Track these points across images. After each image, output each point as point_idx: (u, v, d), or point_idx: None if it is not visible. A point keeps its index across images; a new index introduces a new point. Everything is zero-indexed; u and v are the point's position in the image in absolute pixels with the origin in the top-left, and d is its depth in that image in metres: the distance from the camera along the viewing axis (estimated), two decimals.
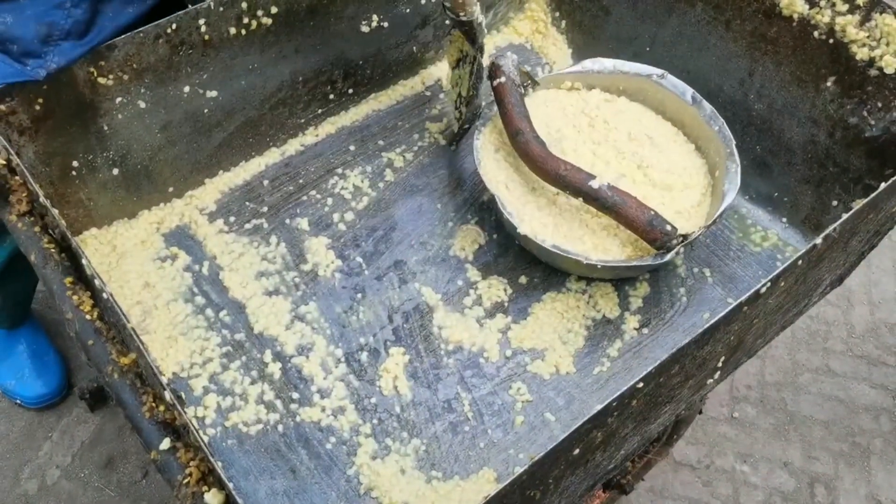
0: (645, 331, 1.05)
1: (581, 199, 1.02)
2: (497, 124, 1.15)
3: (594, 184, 1.00)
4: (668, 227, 0.96)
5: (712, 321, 0.70)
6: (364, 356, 1.00)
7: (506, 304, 1.06)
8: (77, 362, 1.63)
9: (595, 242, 1.04)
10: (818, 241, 0.77)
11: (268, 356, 0.99)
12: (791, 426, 1.69)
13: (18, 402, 1.57)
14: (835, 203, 1.11)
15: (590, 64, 1.18)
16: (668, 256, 0.98)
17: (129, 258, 1.06)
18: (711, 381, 0.94)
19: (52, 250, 0.79)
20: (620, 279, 1.08)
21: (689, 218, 1.05)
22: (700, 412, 1.30)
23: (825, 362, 1.80)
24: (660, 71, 1.15)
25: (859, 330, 1.86)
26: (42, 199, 0.77)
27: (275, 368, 0.98)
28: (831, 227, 0.77)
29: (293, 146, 1.21)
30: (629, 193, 1.00)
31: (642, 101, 1.19)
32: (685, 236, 0.97)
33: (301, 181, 1.17)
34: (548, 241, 1.01)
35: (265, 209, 1.13)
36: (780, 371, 1.77)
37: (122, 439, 1.54)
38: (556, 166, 1.02)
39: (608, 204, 0.99)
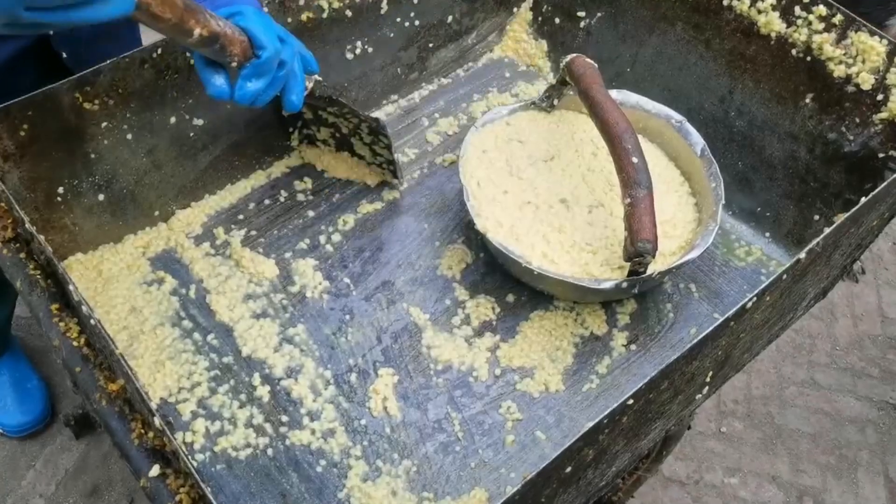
0: (633, 347, 1.06)
1: (615, 157, 1.00)
2: (495, 129, 1.16)
3: (637, 159, 0.98)
4: (648, 258, 0.95)
5: (699, 337, 0.71)
6: (353, 378, 1.00)
7: (494, 323, 1.07)
8: (61, 389, 1.61)
9: (545, 252, 1.03)
10: (802, 255, 0.78)
11: (256, 379, 0.98)
12: (778, 440, 1.70)
13: (1, 431, 1.55)
14: (816, 217, 1.12)
15: (615, 94, 1.15)
16: (606, 285, 0.97)
17: (115, 283, 1.05)
18: (700, 396, 0.95)
19: (38, 277, 0.79)
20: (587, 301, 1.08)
21: (655, 261, 1.02)
22: (689, 427, 1.30)
23: (810, 375, 1.81)
24: (679, 116, 1.14)
25: (843, 342, 1.88)
26: (28, 224, 0.77)
27: (263, 392, 0.97)
28: (814, 242, 0.78)
29: (279, 168, 1.21)
30: (653, 208, 0.98)
31: (660, 143, 1.17)
32: (637, 273, 0.97)
33: (288, 203, 1.17)
34: (497, 239, 1.02)
35: (252, 232, 1.13)
36: (766, 385, 1.78)
37: (108, 467, 1.52)
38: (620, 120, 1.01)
39: (640, 181, 0.96)
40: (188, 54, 0.98)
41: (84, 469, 1.52)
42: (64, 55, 1.13)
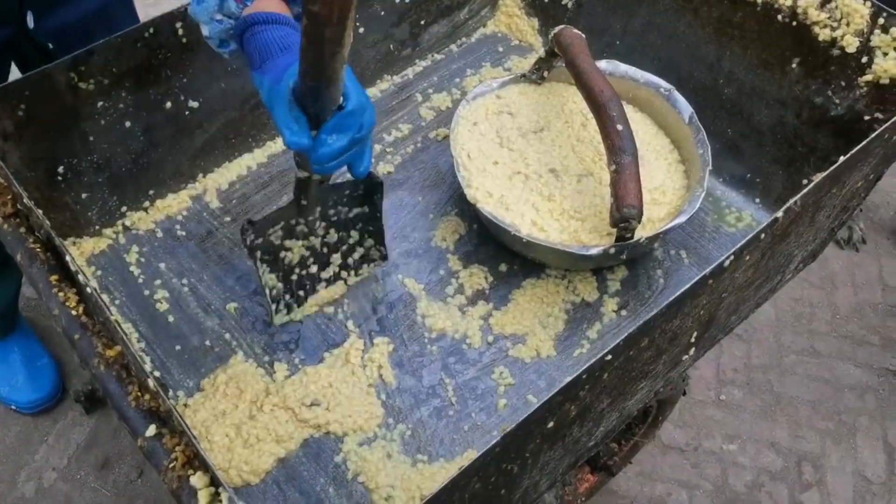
0: (624, 312, 1.07)
1: (600, 124, 1.01)
2: (486, 102, 1.17)
3: (622, 126, 0.99)
4: (634, 223, 0.97)
5: (676, 294, 0.73)
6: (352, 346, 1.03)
7: (487, 292, 1.09)
8: (71, 367, 1.65)
9: (535, 220, 1.05)
10: (779, 214, 0.79)
11: (257, 349, 1.01)
12: (777, 407, 1.71)
13: (13, 408, 1.59)
14: (805, 182, 1.13)
15: (604, 65, 1.16)
16: (594, 251, 0.99)
17: (115, 261, 1.08)
18: (687, 357, 0.97)
19: (38, 250, 0.82)
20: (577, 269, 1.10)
21: (644, 228, 1.05)
22: (684, 393, 1.32)
23: (810, 344, 1.82)
24: (667, 85, 1.15)
25: (843, 311, 1.89)
26: (26, 199, 0.79)
27: (264, 361, 1.00)
28: (792, 201, 0.80)
29: (275, 146, 1.23)
30: (638, 174, 0.98)
31: (650, 112, 1.18)
32: (625, 239, 0.98)
33: (284, 180, 1.19)
34: (487, 209, 1.04)
35: (250, 209, 1.15)
36: (766, 353, 1.79)
37: (117, 440, 1.56)
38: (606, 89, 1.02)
39: (625, 148, 0.97)
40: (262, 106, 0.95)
41: (95, 443, 1.56)
42: (50, 46, 1.14)
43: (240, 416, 0.95)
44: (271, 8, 0.82)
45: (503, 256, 1.12)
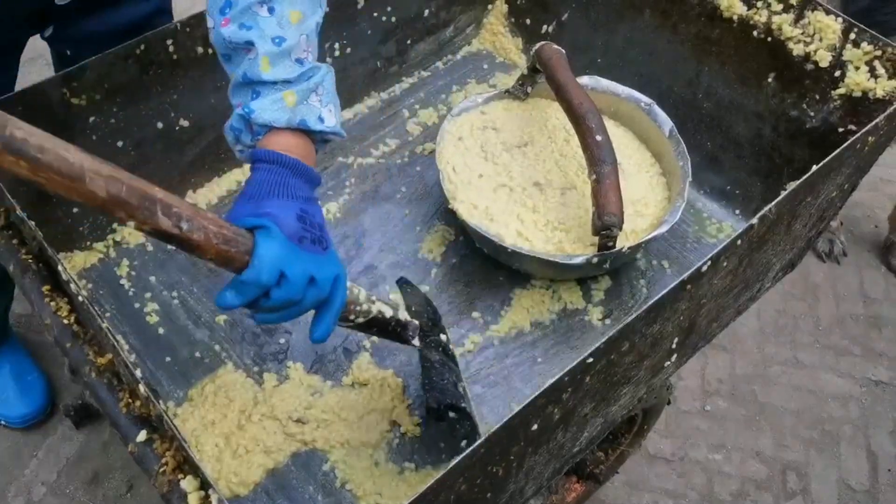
0: (608, 321, 1.09)
1: (580, 136, 1.03)
2: (471, 117, 1.20)
3: (601, 137, 1.01)
4: (615, 230, 0.99)
5: (656, 298, 0.75)
6: (339, 356, 1.04)
7: (474, 302, 1.10)
8: (61, 382, 1.65)
9: (519, 230, 1.07)
10: (755, 221, 0.82)
11: (247, 360, 1.02)
12: (762, 416, 1.73)
13: (3, 423, 1.60)
14: (783, 193, 1.16)
15: (586, 80, 1.19)
16: (578, 260, 1.01)
17: (106, 276, 1.09)
18: (669, 363, 0.99)
19: (30, 261, 0.83)
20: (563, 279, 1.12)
21: (627, 239, 1.07)
22: (669, 402, 1.34)
23: (794, 354, 1.85)
24: (648, 100, 1.18)
25: (826, 322, 1.91)
26: (18, 211, 0.81)
27: (254, 371, 1.01)
28: (767, 208, 0.82)
29: None
30: (618, 183, 1.00)
31: (631, 126, 1.21)
32: (608, 248, 1.00)
33: None
34: (472, 221, 1.06)
35: None
36: (750, 364, 1.82)
37: (107, 455, 1.56)
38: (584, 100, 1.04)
39: (604, 158, 1.00)
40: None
41: (84, 457, 1.57)
42: (69, 53, 1.14)
43: (229, 425, 0.96)
44: (282, 142, 0.78)
45: (489, 267, 1.14)
